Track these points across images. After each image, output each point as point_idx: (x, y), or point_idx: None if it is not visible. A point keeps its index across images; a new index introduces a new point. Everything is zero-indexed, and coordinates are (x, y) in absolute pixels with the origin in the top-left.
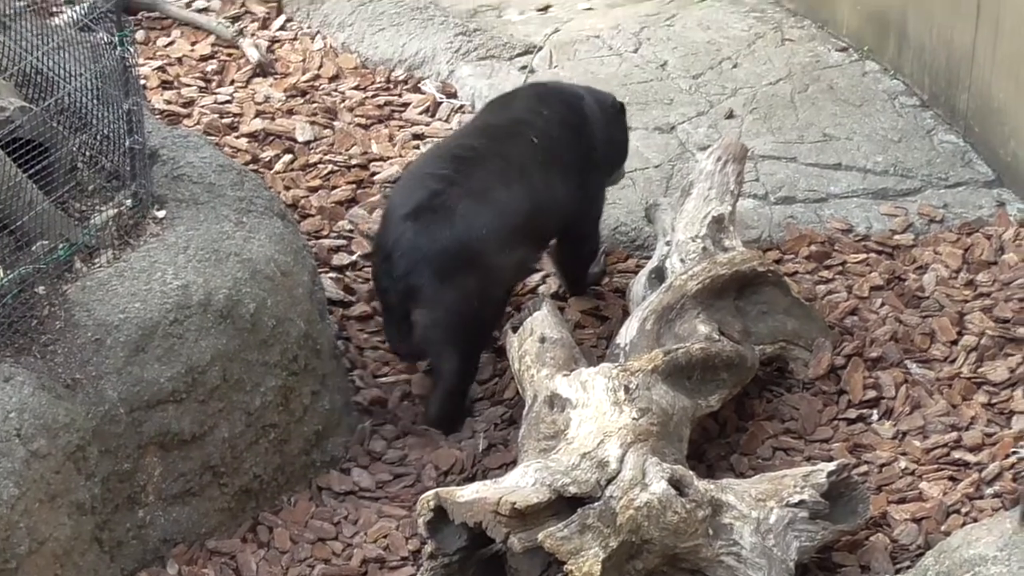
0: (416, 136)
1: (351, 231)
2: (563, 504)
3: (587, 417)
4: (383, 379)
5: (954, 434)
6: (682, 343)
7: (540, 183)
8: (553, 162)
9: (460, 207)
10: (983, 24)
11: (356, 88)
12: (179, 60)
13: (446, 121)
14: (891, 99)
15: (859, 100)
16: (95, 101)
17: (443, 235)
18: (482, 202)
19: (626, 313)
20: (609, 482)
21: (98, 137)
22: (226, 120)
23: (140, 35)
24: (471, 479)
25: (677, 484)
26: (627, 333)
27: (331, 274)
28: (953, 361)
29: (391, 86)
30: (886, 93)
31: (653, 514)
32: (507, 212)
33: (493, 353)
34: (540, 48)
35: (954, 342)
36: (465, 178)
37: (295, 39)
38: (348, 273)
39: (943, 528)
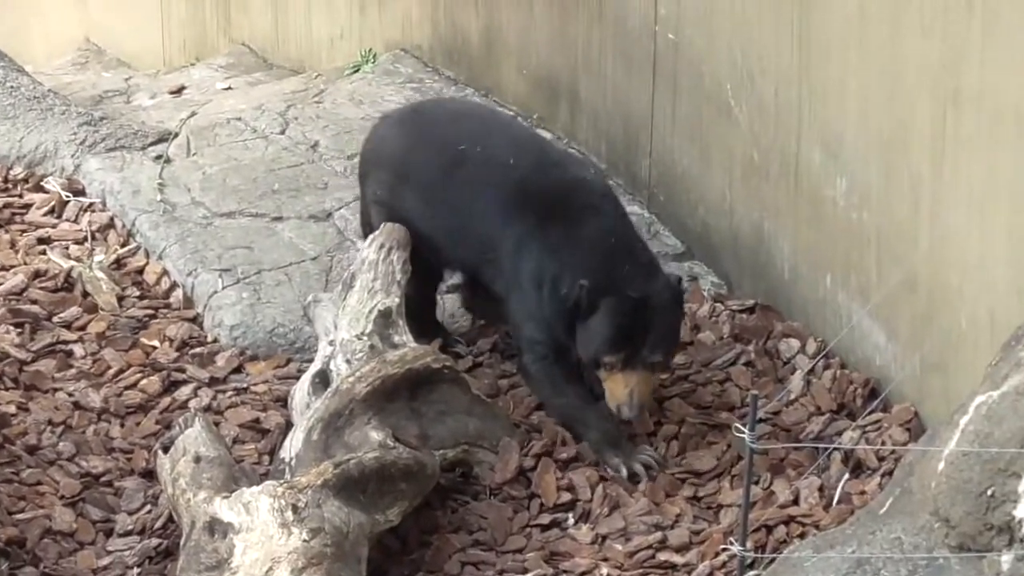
0: (41, 240)
1: None
2: None
3: (252, 542)
4: (19, 516)
5: (659, 534)
6: (353, 453)
7: None
8: None
9: None
10: (660, 85)
11: None
12: None
13: (75, 222)
14: None
15: None
16: None
17: None
18: None
19: (289, 424)
20: None
21: None
22: None
23: None
24: None
25: None
26: (292, 446)
27: None
28: None
29: (9, 186)
30: None
31: None
32: None
33: (142, 478)
34: (176, 135)
35: (652, 433)
36: None
37: None
38: None
39: None
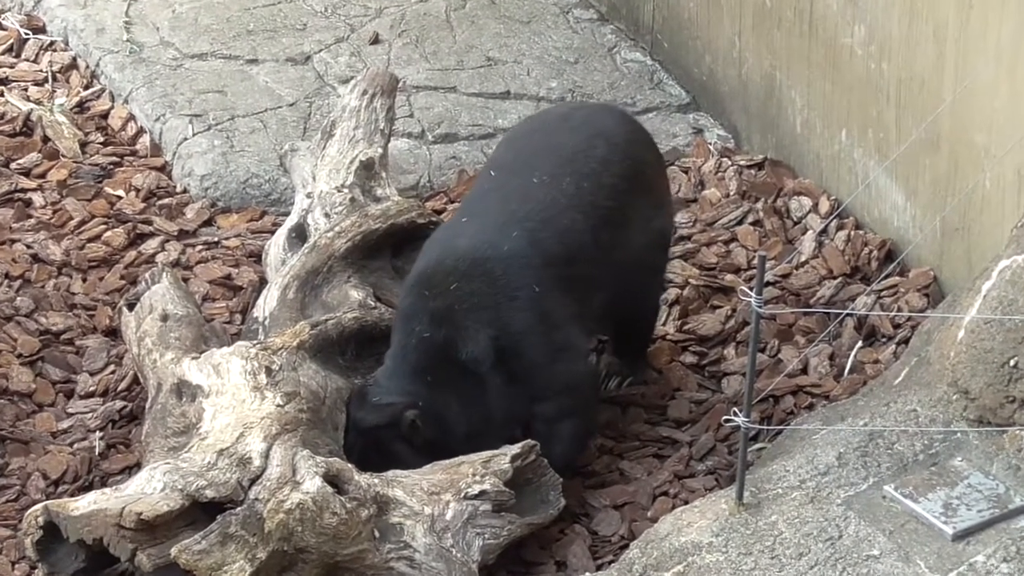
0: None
1: None
2: (200, 511)
3: (223, 407)
4: None
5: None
6: (332, 313)
7: None
8: None
9: None
10: None
11: None
12: None
13: (34, 61)
14: (564, 13)
15: (526, 16)
16: None
17: None
18: None
19: (263, 281)
20: (253, 482)
21: None
22: None
23: None
24: (87, 488)
25: (334, 480)
26: (266, 304)
27: None
28: None
29: None
30: (557, 7)
31: (308, 517)
32: None
33: (105, 337)
34: None
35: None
36: None
37: None
38: None
39: (649, 514)
